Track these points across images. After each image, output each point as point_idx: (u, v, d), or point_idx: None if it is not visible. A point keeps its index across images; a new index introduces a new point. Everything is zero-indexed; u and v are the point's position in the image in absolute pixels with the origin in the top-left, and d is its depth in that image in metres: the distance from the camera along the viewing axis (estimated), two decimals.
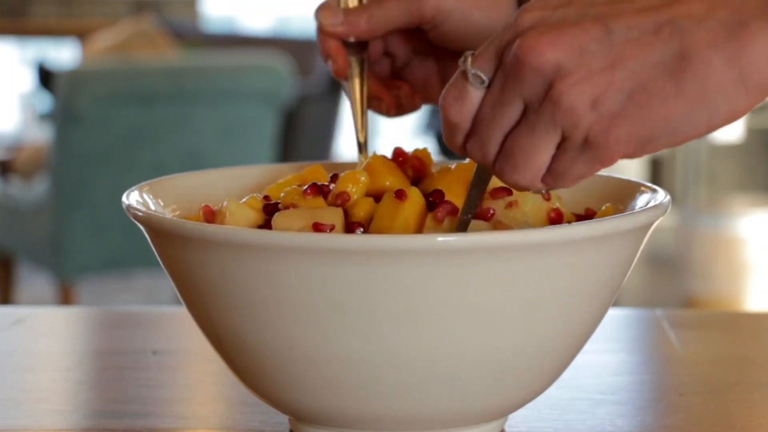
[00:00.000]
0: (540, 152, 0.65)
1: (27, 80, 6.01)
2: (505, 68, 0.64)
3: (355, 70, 0.86)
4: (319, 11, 0.87)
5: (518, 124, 0.65)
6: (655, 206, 0.72)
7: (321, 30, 0.87)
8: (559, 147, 0.65)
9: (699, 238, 3.71)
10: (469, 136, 0.67)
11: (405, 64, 0.90)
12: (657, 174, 4.73)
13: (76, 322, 1.13)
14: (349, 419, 0.71)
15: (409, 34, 0.88)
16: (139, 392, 0.87)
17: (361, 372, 0.68)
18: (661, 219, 0.72)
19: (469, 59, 0.66)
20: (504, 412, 0.75)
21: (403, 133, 5.63)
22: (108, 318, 1.16)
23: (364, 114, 0.86)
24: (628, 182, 0.81)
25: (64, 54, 6.06)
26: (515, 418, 0.79)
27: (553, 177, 0.66)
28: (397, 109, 0.89)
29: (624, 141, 0.64)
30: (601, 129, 0.63)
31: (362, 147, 0.85)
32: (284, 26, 6.81)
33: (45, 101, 4.97)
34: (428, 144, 4.85)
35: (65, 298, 3.37)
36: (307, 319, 0.67)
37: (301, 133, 4.13)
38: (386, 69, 0.90)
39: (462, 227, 0.71)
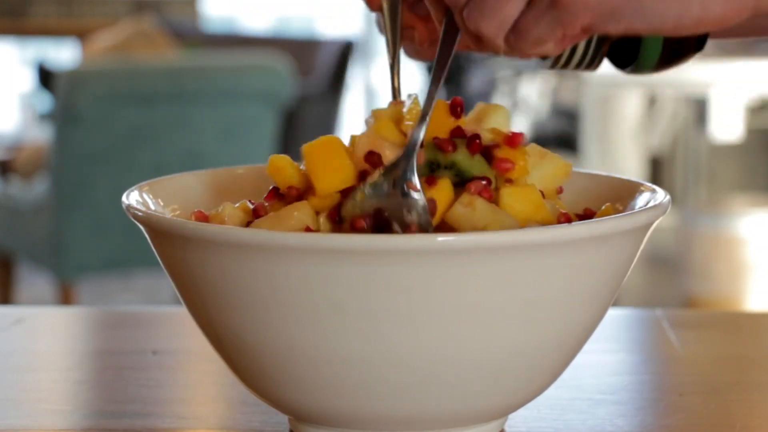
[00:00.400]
0: (511, 1, 0.67)
1: (27, 80, 6.01)
2: None
3: (389, 3, 0.85)
4: None
5: None
6: (655, 206, 0.72)
7: None
8: (528, 5, 0.67)
9: (699, 238, 3.71)
10: None
11: None
12: (657, 174, 4.73)
13: (76, 322, 1.13)
14: (349, 419, 0.71)
15: None
16: (139, 392, 0.87)
17: (361, 372, 0.68)
18: (661, 219, 0.72)
19: None
20: (504, 412, 0.75)
21: None
22: (108, 318, 1.16)
23: (397, 53, 0.84)
24: (628, 182, 0.81)
25: (64, 54, 6.06)
26: (515, 418, 0.79)
27: (515, 35, 0.68)
28: (431, 44, 0.88)
29: (591, 8, 0.66)
30: None
31: (396, 92, 0.84)
32: (284, 26, 6.81)
33: (45, 101, 4.97)
34: None
35: (65, 298, 3.37)
36: (307, 319, 0.67)
37: (301, 133, 4.13)
38: (424, 10, 0.89)
39: (434, 88, 0.72)
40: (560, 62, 0.84)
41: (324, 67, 4.43)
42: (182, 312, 0.77)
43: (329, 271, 0.66)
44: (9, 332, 1.03)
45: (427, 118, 0.72)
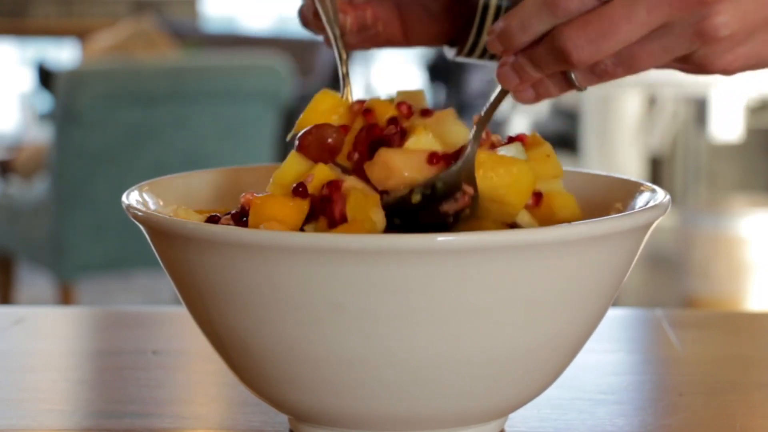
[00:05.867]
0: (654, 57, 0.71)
1: (27, 80, 6.02)
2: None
3: None
4: None
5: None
6: (655, 206, 0.72)
7: None
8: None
9: (699, 238, 3.71)
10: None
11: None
12: (657, 174, 4.73)
13: (76, 322, 1.13)
14: (349, 419, 0.71)
15: None
16: (139, 392, 0.87)
17: (361, 372, 0.68)
18: (660, 219, 0.72)
19: None
20: (504, 412, 0.75)
21: None
22: (108, 318, 1.16)
23: (340, 40, 0.84)
24: (628, 182, 0.81)
25: (64, 54, 6.06)
26: (515, 418, 0.79)
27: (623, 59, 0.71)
28: (359, 31, 0.86)
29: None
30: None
31: (345, 78, 0.82)
32: (284, 26, 6.81)
33: (45, 101, 4.97)
34: None
35: (65, 298, 3.37)
36: (307, 319, 0.67)
37: None
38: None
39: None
40: None
41: (324, 67, 4.43)
42: (182, 312, 0.77)
43: (329, 271, 0.66)
44: (9, 332, 1.03)
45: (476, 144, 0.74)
